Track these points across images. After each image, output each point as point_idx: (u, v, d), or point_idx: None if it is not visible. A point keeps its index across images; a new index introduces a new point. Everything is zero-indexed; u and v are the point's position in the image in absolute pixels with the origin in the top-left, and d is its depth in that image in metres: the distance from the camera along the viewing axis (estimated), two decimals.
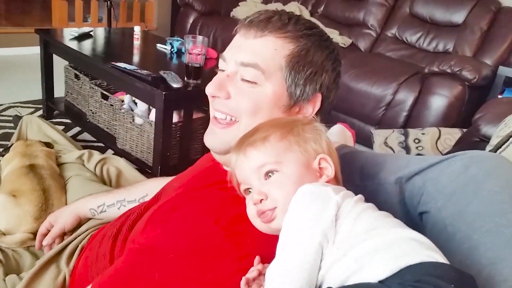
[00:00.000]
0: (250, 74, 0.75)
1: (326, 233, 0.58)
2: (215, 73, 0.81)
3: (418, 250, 0.54)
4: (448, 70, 2.45)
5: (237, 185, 0.72)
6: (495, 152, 1.38)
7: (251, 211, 0.68)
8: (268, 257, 0.68)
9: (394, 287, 0.50)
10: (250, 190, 0.70)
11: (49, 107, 2.51)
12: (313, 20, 3.14)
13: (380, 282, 0.51)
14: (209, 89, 0.78)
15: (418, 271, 0.51)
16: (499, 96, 2.62)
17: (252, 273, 0.65)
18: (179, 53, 2.31)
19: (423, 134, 2.31)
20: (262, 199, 0.66)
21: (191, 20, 3.78)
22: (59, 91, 2.54)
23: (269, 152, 0.68)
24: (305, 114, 0.79)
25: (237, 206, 0.71)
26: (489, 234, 0.69)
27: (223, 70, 0.79)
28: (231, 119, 0.78)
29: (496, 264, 0.65)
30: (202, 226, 0.70)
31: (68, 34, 2.35)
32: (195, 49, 1.77)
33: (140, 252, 0.73)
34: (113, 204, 1.16)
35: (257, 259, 0.67)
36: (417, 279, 0.50)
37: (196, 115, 1.92)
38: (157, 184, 1.14)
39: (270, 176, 0.68)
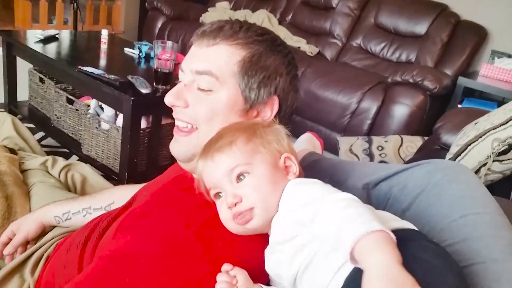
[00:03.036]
0: (205, 81, 0.77)
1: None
2: (177, 82, 0.84)
3: (395, 220, 0.65)
4: (411, 80, 2.54)
5: (205, 191, 0.73)
6: (455, 159, 1.45)
7: (225, 215, 0.70)
8: (239, 258, 0.70)
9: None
10: (221, 194, 0.71)
11: (12, 111, 2.43)
12: (281, 28, 3.19)
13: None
14: (168, 99, 0.80)
15: (400, 233, 0.57)
16: (459, 106, 2.73)
17: (223, 284, 0.67)
18: (148, 57, 2.29)
19: (386, 141, 2.38)
20: (236, 202, 0.68)
21: (159, 24, 3.75)
22: (22, 94, 2.46)
23: (238, 155, 0.70)
24: (264, 117, 0.81)
25: (207, 210, 0.72)
26: (449, 233, 0.74)
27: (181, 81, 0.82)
28: (192, 127, 0.80)
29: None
30: (173, 231, 0.71)
31: (33, 37, 2.28)
32: (164, 54, 1.77)
33: (111, 258, 0.72)
34: (78, 212, 1.13)
35: (226, 265, 0.68)
36: (402, 239, 0.56)
37: (165, 121, 1.91)
38: (124, 192, 1.13)
39: (241, 179, 0.69)
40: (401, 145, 2.34)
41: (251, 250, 0.71)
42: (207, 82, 0.77)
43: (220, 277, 0.68)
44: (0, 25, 3.90)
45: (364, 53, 3.31)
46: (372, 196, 0.88)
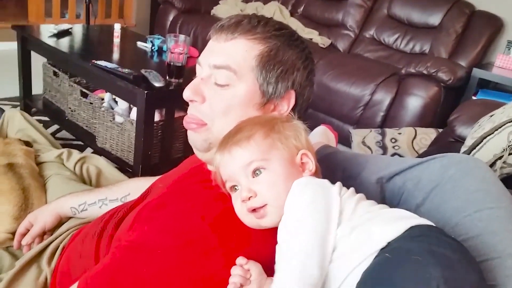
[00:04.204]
0: (223, 76, 0.78)
1: (335, 221, 0.65)
2: (194, 76, 0.84)
3: (413, 217, 0.65)
4: (424, 72, 2.51)
5: (221, 183, 0.74)
6: (470, 152, 1.43)
7: (240, 208, 0.70)
8: (254, 252, 0.71)
9: (407, 240, 0.60)
10: (236, 187, 0.72)
11: (27, 104, 2.47)
12: (293, 20, 3.18)
13: (389, 243, 0.60)
14: (186, 93, 0.80)
15: (418, 230, 0.62)
16: (473, 97, 2.70)
17: (237, 277, 0.67)
18: (160, 51, 2.30)
19: (399, 134, 2.37)
20: (251, 197, 0.68)
21: (171, 18, 3.75)
22: (37, 88, 2.49)
23: (255, 150, 0.70)
24: (281, 111, 0.82)
25: (223, 203, 0.73)
26: (463, 227, 0.74)
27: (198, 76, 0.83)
28: (201, 123, 0.80)
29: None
30: (189, 223, 0.71)
31: (47, 31, 2.30)
32: (177, 48, 1.77)
33: (128, 248, 0.74)
34: (94, 203, 1.15)
35: (241, 259, 0.69)
36: (420, 234, 0.60)
37: (177, 114, 1.92)
38: (139, 184, 1.14)
39: (257, 174, 0.70)
40: (414, 137, 2.32)
41: (265, 243, 0.71)
42: (225, 76, 0.78)
43: (234, 271, 0.68)
44: (13, 19, 3.94)
45: (377, 44, 3.27)
46: (386, 190, 0.88)
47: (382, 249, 0.60)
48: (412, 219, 0.64)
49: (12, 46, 2.46)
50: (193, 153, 0.87)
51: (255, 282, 0.68)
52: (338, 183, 0.71)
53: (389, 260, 0.58)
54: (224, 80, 0.78)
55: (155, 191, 0.92)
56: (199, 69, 0.83)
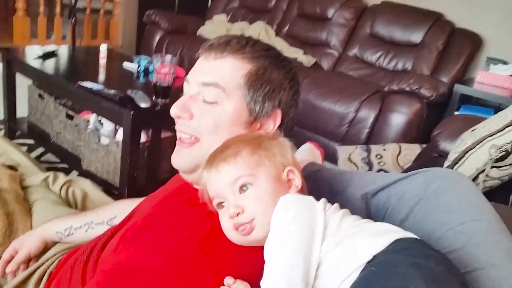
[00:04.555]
0: (211, 93, 0.79)
1: (319, 236, 0.65)
2: (183, 92, 0.85)
3: (398, 231, 0.66)
4: (407, 89, 2.56)
5: (208, 201, 0.74)
6: (453, 167, 1.46)
7: (227, 225, 0.71)
8: (243, 270, 0.71)
9: (392, 253, 0.61)
10: (223, 204, 0.72)
11: (11, 127, 2.44)
12: (278, 39, 3.21)
13: (374, 256, 0.61)
14: (173, 110, 0.81)
15: (402, 243, 0.63)
16: (456, 113, 2.75)
17: None
18: (146, 71, 2.31)
19: (384, 150, 2.39)
20: (238, 213, 0.69)
21: (157, 38, 3.78)
22: (22, 110, 2.47)
23: (242, 166, 0.71)
24: (267, 129, 0.83)
25: (211, 221, 0.73)
26: (447, 240, 0.75)
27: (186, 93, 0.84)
28: (194, 139, 0.81)
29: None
30: (177, 242, 0.71)
31: (32, 53, 2.30)
32: (163, 68, 1.78)
33: (114, 272, 0.73)
34: (80, 227, 1.14)
35: (228, 278, 0.69)
36: (405, 247, 0.62)
37: (164, 135, 1.92)
38: (125, 206, 1.13)
39: (244, 190, 0.71)
40: (399, 153, 2.35)
41: (254, 262, 0.71)
42: (213, 94, 0.79)
43: None
44: None
45: (361, 62, 3.33)
46: (371, 206, 0.89)
47: (368, 262, 0.61)
48: (397, 233, 0.65)
49: None
50: None
51: None
52: (323, 199, 0.72)
53: (374, 273, 0.59)
54: (212, 97, 0.79)
55: (140, 211, 0.91)
56: (187, 87, 0.84)
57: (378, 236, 0.64)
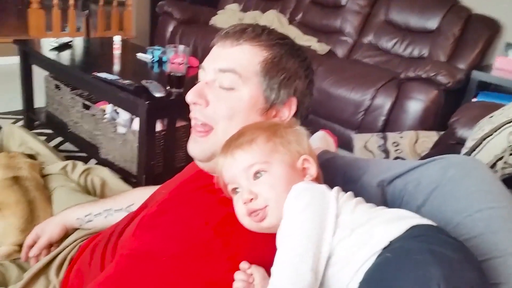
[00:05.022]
0: (228, 79, 0.79)
1: (331, 225, 0.65)
2: (197, 82, 0.85)
3: (415, 217, 0.66)
4: (424, 75, 2.53)
5: (224, 186, 0.75)
6: (470, 154, 1.44)
7: (240, 210, 0.71)
8: (258, 255, 0.72)
9: (408, 240, 0.60)
10: (238, 190, 0.73)
11: (30, 117, 2.49)
12: (292, 27, 3.19)
13: (390, 242, 0.61)
14: (189, 96, 0.81)
15: (419, 229, 0.62)
16: (473, 100, 2.71)
17: (240, 282, 0.69)
18: (160, 62, 2.32)
19: (401, 137, 2.37)
20: (252, 198, 0.69)
21: (170, 29, 3.78)
22: (39, 101, 2.51)
23: (257, 153, 0.71)
24: (282, 117, 0.83)
25: (226, 207, 0.74)
26: (465, 227, 0.74)
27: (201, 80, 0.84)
28: (210, 127, 0.82)
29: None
30: (193, 228, 0.72)
31: (48, 45, 2.33)
32: (176, 58, 1.79)
33: (132, 257, 0.74)
34: (99, 213, 1.16)
35: (244, 263, 0.70)
36: (421, 234, 0.61)
37: (179, 124, 1.93)
38: (143, 193, 1.15)
39: (258, 176, 0.71)
40: (416, 141, 2.33)
41: (269, 248, 0.72)
42: (230, 80, 0.79)
43: (237, 275, 0.69)
44: (14, 34, 3.98)
45: (376, 49, 3.29)
46: (387, 193, 0.88)
47: (383, 248, 0.61)
48: (414, 219, 0.65)
49: (14, 61, 2.49)
50: None
51: (258, 286, 0.69)
52: (336, 188, 0.72)
53: (390, 260, 0.59)
54: (229, 83, 0.79)
55: (157, 197, 0.92)
56: (202, 74, 0.84)
57: (394, 222, 0.64)
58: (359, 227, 0.65)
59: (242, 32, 0.81)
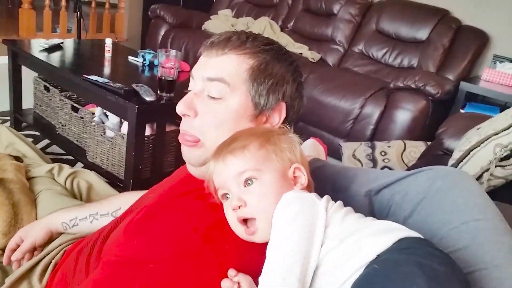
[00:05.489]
0: (216, 88, 0.79)
1: (319, 236, 0.65)
2: (187, 87, 0.85)
3: (402, 229, 0.66)
4: (413, 85, 2.55)
5: (214, 191, 0.74)
6: (457, 165, 1.45)
7: (231, 217, 0.71)
8: (247, 263, 0.71)
9: (396, 252, 0.61)
10: (228, 195, 0.72)
11: (17, 119, 2.46)
12: (283, 34, 3.20)
13: (378, 255, 0.61)
14: (179, 108, 0.81)
15: (407, 242, 0.63)
16: (461, 110, 2.74)
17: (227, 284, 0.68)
18: (151, 65, 2.32)
19: (389, 147, 2.39)
20: (241, 206, 0.69)
21: (162, 32, 3.77)
22: (27, 102, 2.48)
23: (249, 160, 0.71)
24: (272, 123, 0.83)
25: (215, 213, 0.73)
26: (451, 239, 0.75)
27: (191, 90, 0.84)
28: (198, 140, 0.81)
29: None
30: (181, 234, 0.72)
31: (38, 46, 2.31)
32: (168, 62, 1.79)
33: (118, 263, 0.73)
34: (85, 218, 1.15)
35: (231, 271, 0.69)
36: (409, 246, 0.61)
37: (169, 128, 1.92)
38: (130, 198, 1.14)
39: (249, 184, 0.70)
40: (404, 150, 2.35)
41: (258, 255, 0.71)
42: (218, 89, 0.79)
43: (224, 283, 0.69)
44: (4, 34, 3.93)
45: (366, 58, 3.32)
46: (374, 203, 0.88)
47: (371, 261, 0.61)
48: (401, 231, 0.65)
49: (2, 61, 2.46)
50: (185, 163, 0.87)
51: None
52: (326, 197, 0.72)
53: (377, 271, 0.59)
54: (218, 92, 0.79)
55: (145, 202, 0.92)
56: (192, 83, 0.84)
57: (383, 235, 0.64)
58: (347, 238, 0.65)
59: (227, 41, 0.81)
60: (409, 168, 1.95)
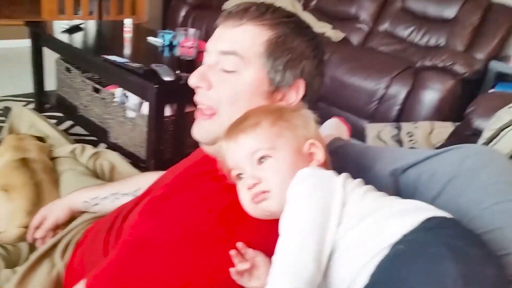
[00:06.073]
0: (230, 62, 0.77)
1: (336, 214, 0.62)
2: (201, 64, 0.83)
3: (429, 209, 0.62)
4: (440, 65, 2.47)
5: (227, 172, 0.73)
6: (487, 144, 1.40)
7: (244, 197, 0.69)
8: (261, 244, 0.70)
9: (422, 232, 0.57)
10: (242, 175, 0.70)
11: (40, 100, 2.49)
12: (306, 14, 3.13)
13: (405, 235, 0.57)
14: (192, 80, 0.79)
15: (434, 221, 0.59)
16: (491, 90, 2.64)
17: (243, 265, 0.66)
18: (171, 46, 2.30)
19: (415, 128, 2.33)
20: (256, 183, 0.67)
21: (182, 13, 3.75)
22: (50, 84, 2.51)
23: (261, 138, 0.69)
24: (289, 100, 0.80)
25: (229, 195, 0.72)
26: (482, 220, 0.71)
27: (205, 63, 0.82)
28: (213, 110, 0.79)
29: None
30: (196, 216, 0.71)
31: (59, 27, 2.32)
32: (187, 42, 1.77)
33: (134, 243, 0.73)
34: (106, 197, 1.15)
35: (240, 244, 0.68)
36: (437, 226, 0.58)
37: (188, 109, 1.91)
38: (151, 178, 1.13)
39: (262, 161, 0.69)
40: (431, 131, 2.29)
41: (273, 236, 0.70)
42: (232, 62, 0.77)
43: (236, 260, 0.67)
44: (27, 17, 3.97)
45: (391, 38, 3.22)
46: (400, 183, 0.85)
47: (396, 242, 0.58)
48: (428, 211, 0.62)
49: (26, 43, 2.48)
50: None
51: (259, 274, 0.67)
52: (344, 174, 0.69)
53: (403, 253, 0.56)
54: (231, 66, 0.77)
55: (162, 182, 0.91)
56: (206, 56, 0.82)
57: (408, 214, 0.61)
58: (367, 217, 0.62)
59: (245, 11, 0.78)
60: (437, 149, 1.89)
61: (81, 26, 2.39)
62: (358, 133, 2.52)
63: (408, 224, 0.59)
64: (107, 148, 2.04)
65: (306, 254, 0.58)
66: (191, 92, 0.82)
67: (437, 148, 1.86)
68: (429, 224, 0.59)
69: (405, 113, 2.57)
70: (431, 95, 2.49)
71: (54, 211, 1.14)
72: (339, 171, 0.72)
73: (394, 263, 0.56)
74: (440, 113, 2.47)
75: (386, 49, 3.18)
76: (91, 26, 2.56)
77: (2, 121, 2.22)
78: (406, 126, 2.34)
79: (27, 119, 1.62)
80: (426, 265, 0.54)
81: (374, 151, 0.94)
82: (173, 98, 1.84)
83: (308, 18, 3.42)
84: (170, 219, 0.72)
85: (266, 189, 0.67)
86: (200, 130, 0.82)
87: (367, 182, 0.71)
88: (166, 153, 1.89)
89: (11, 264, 1.08)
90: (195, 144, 2.08)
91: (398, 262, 0.56)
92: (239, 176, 0.71)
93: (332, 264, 0.61)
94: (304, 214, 0.62)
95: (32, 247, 1.14)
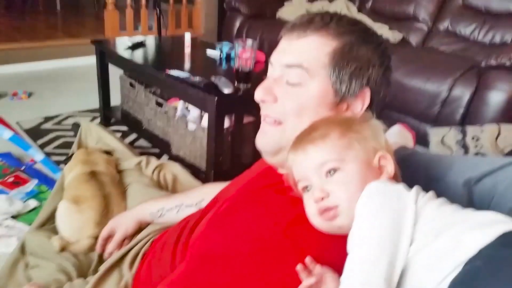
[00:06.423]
0: (295, 75, 0.77)
1: (408, 230, 0.60)
2: (264, 77, 0.84)
3: (507, 222, 0.59)
4: (507, 63, 2.33)
5: (293, 184, 0.72)
6: None
7: (311, 209, 0.68)
8: (328, 258, 0.68)
9: (500, 248, 0.54)
10: (308, 188, 0.69)
11: (106, 115, 2.61)
12: (361, 16, 3.06)
13: (480, 250, 0.54)
14: (258, 94, 0.80)
15: None
16: None
17: (309, 280, 0.65)
18: (228, 57, 2.34)
19: (482, 131, 2.21)
20: (323, 197, 0.66)
21: (237, 24, 3.81)
22: (115, 99, 2.63)
23: (330, 149, 0.68)
24: (354, 110, 0.79)
25: (295, 208, 0.71)
26: None
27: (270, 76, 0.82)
28: (279, 122, 0.80)
29: None
30: (262, 229, 0.71)
31: (122, 44, 2.43)
32: (244, 53, 1.78)
33: (202, 256, 0.74)
34: (171, 209, 1.18)
35: (308, 259, 0.67)
36: None
37: (246, 120, 1.93)
38: (213, 189, 1.15)
39: (331, 174, 0.67)
40: (498, 135, 2.16)
41: (340, 250, 0.68)
42: (297, 75, 0.77)
43: (301, 272, 0.66)
44: (91, 35, 4.20)
45: (453, 36, 3.09)
46: (474, 193, 0.81)
47: (472, 257, 0.55)
48: (507, 224, 0.58)
49: (91, 61, 2.62)
50: None
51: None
52: (415, 188, 0.66)
53: (481, 270, 0.53)
54: (296, 79, 0.77)
55: (226, 195, 0.92)
56: (270, 69, 0.82)
57: (485, 228, 0.57)
58: (443, 233, 0.59)
59: (309, 23, 0.78)
60: (506, 155, 1.78)
61: (142, 42, 2.49)
62: (420, 138, 2.42)
63: (485, 238, 0.56)
64: (169, 159, 2.11)
65: (377, 273, 0.57)
66: (249, 103, 0.83)
67: (507, 153, 1.75)
68: (508, 239, 0.55)
69: (470, 116, 2.44)
70: (497, 96, 2.35)
71: (123, 223, 1.18)
72: (407, 181, 0.69)
73: (472, 280, 0.53)
74: (508, 115, 2.32)
75: (447, 49, 3.04)
76: (151, 41, 2.66)
77: (71, 136, 2.35)
78: (471, 130, 2.22)
79: (95, 134, 1.71)
80: (507, 282, 0.51)
81: (445, 160, 0.90)
82: (232, 109, 1.87)
83: (363, 20, 3.35)
84: (236, 233, 0.72)
85: (334, 204, 0.66)
86: (264, 138, 0.82)
87: (438, 192, 0.68)
88: (225, 164, 1.92)
89: (82, 273, 1.13)
90: (253, 155, 2.09)
91: (475, 279, 0.53)
92: (305, 188, 0.70)
93: (403, 282, 0.59)
94: (375, 232, 0.60)
95: (101, 258, 1.19)
